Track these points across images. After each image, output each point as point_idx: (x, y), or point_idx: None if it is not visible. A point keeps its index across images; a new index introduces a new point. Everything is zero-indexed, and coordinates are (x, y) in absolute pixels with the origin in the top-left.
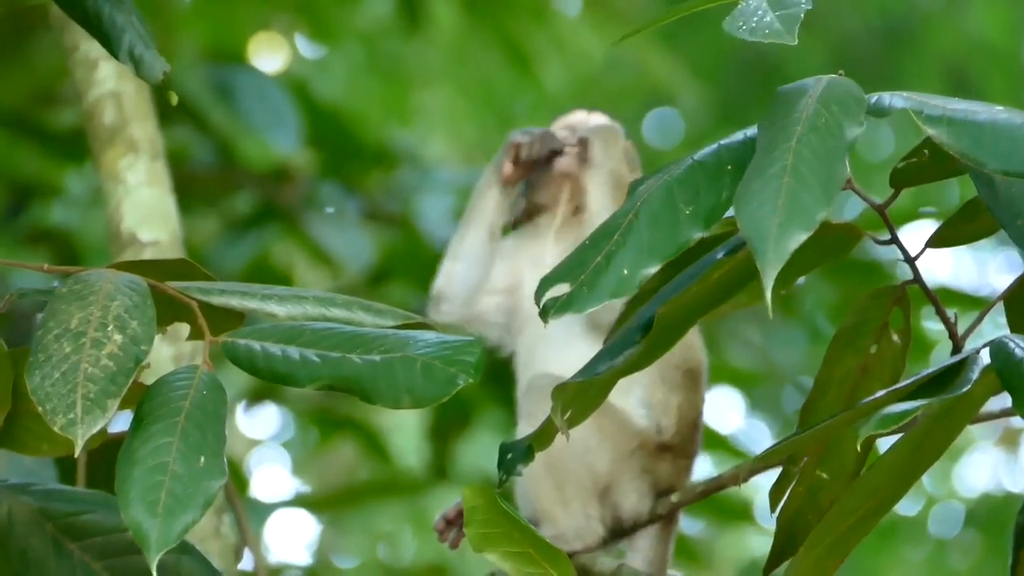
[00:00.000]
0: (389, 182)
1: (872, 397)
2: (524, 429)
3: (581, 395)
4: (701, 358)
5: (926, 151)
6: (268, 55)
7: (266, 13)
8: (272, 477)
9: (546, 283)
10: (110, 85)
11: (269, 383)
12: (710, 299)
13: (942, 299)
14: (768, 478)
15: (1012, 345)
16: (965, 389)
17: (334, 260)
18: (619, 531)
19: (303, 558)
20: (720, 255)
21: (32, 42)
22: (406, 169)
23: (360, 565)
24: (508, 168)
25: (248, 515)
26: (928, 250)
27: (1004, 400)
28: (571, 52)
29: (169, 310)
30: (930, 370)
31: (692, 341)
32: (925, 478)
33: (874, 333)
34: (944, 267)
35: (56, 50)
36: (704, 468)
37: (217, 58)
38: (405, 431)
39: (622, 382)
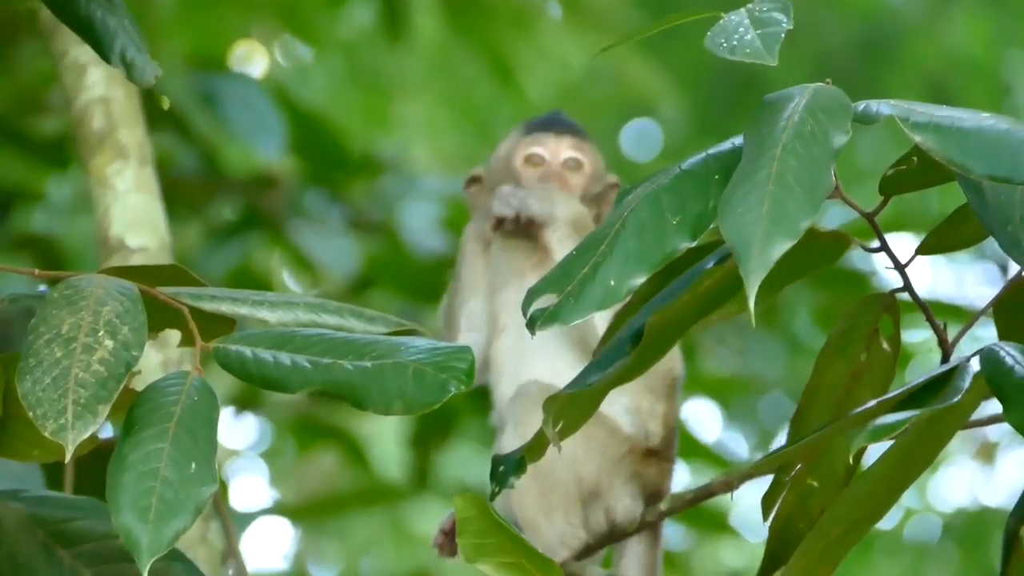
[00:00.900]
0: (373, 190)
1: (864, 407)
2: (510, 438)
3: (572, 406)
4: (680, 366)
5: (914, 158)
6: (248, 64)
7: (247, 21)
8: (249, 487)
9: (533, 294)
10: (99, 90)
11: (249, 392)
12: (700, 309)
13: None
14: (749, 488)
15: (1003, 353)
16: (957, 398)
17: (317, 267)
18: (611, 536)
19: (280, 567)
20: (710, 265)
21: (16, 49)
22: (390, 177)
23: (339, 575)
24: (490, 236)
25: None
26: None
27: (990, 407)
28: (552, 61)
29: (160, 316)
30: (921, 378)
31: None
32: None
33: (864, 340)
34: (922, 279)
35: (41, 57)
36: (682, 477)
37: (199, 65)
38: (385, 440)
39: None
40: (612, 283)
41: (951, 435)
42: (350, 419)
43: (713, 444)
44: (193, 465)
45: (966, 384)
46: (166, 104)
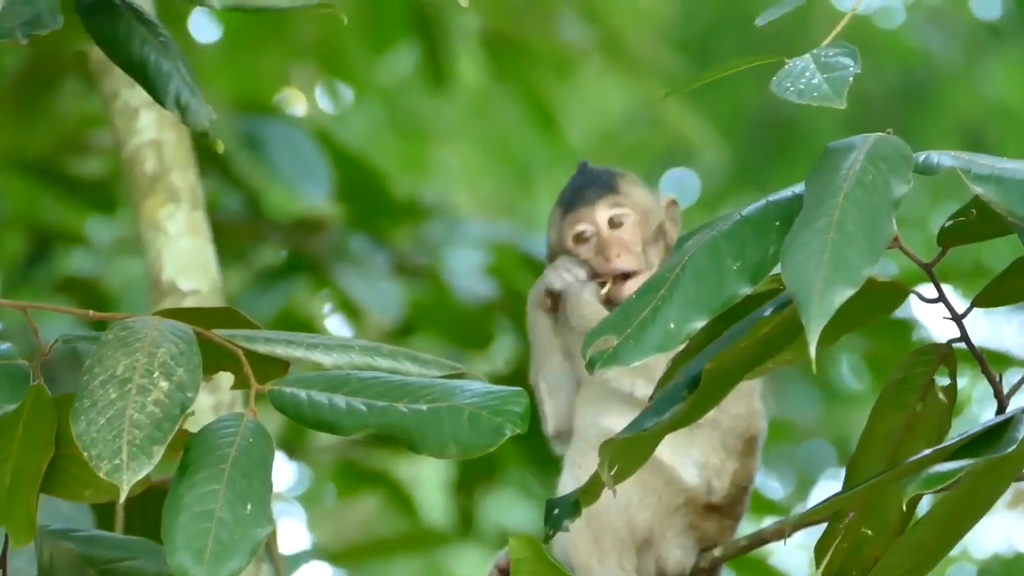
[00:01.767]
0: (417, 234)
1: (918, 456)
2: (567, 480)
3: (628, 450)
4: (762, 425)
5: (973, 210)
6: (289, 109)
7: (287, 65)
8: (288, 531)
9: (593, 335)
10: (151, 133)
11: (292, 436)
12: (757, 355)
13: (973, 359)
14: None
15: None
16: (1011, 449)
17: (362, 312)
18: None
19: None
20: (768, 312)
21: (58, 90)
22: (434, 222)
23: None
24: (547, 303)
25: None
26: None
27: None
28: (592, 107)
29: (214, 358)
30: (975, 428)
31: (755, 407)
32: None
33: (919, 390)
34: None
35: (83, 98)
36: None
37: (242, 108)
38: (426, 485)
39: (678, 441)
40: (672, 326)
41: (1006, 485)
42: (392, 464)
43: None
44: (248, 506)
45: (1021, 435)
46: (220, 148)
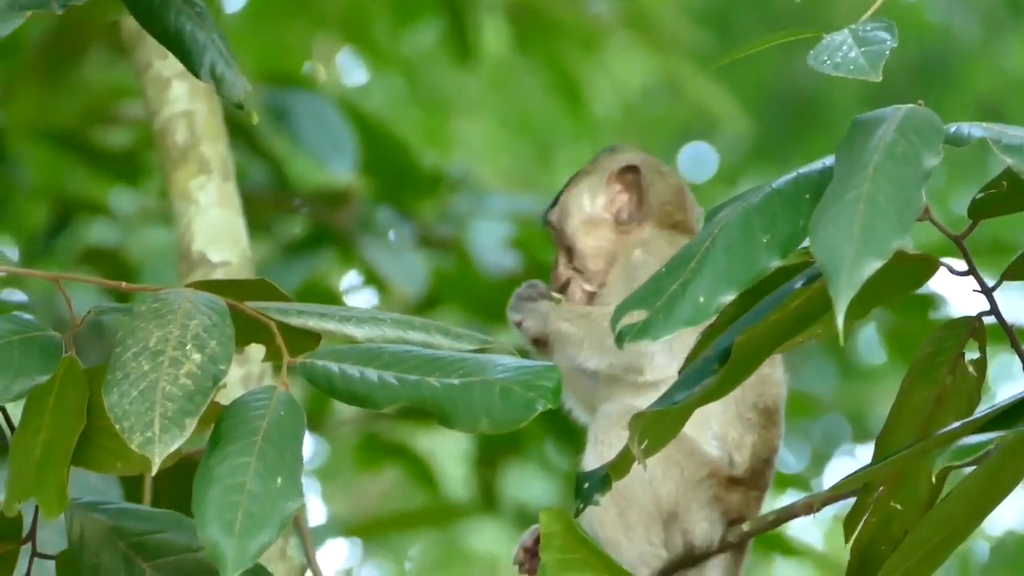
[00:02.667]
0: (442, 207)
1: (947, 428)
2: (590, 456)
3: (658, 424)
4: (780, 392)
5: (1004, 182)
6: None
7: (311, 36)
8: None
9: (622, 309)
10: (183, 104)
11: (313, 411)
12: (787, 329)
13: (997, 333)
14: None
15: None
16: None
17: (387, 284)
18: (689, 559)
19: None
20: (798, 285)
21: (84, 61)
22: (459, 195)
23: None
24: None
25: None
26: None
27: None
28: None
29: (245, 330)
30: (1005, 400)
31: (771, 375)
32: None
33: (949, 364)
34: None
35: (109, 69)
36: None
37: (268, 80)
38: (445, 459)
39: (697, 415)
40: (701, 300)
41: None
42: (411, 437)
43: None
44: (279, 479)
45: None
46: (255, 119)
